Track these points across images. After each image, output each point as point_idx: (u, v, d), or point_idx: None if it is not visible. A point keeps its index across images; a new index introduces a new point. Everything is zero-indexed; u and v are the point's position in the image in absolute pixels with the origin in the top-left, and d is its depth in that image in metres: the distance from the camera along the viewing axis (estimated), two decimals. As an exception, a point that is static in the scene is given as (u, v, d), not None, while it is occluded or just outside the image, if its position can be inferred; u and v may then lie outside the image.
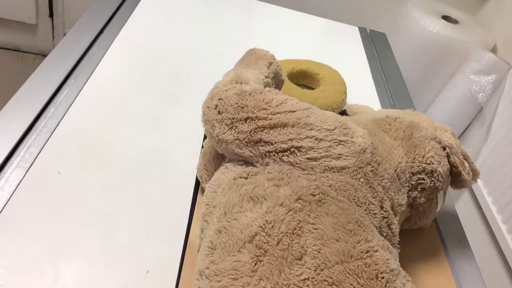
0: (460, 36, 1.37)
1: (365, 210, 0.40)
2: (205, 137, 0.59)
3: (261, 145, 0.41)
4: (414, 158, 0.48)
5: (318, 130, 0.41)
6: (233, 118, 0.42)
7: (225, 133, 0.42)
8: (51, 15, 1.76)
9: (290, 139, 0.41)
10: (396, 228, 0.44)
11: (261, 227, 0.35)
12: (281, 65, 0.55)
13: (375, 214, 0.40)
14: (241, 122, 0.42)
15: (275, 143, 0.41)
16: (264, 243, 0.34)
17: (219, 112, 0.43)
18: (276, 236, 0.34)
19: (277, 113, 0.42)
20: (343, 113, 0.72)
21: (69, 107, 0.58)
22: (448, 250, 0.56)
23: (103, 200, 0.48)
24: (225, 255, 0.34)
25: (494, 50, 1.44)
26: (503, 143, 1.21)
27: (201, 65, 0.74)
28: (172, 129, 0.60)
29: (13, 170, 0.48)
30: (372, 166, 0.43)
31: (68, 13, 1.77)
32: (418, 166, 0.48)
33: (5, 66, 1.76)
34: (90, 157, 0.52)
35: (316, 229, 0.35)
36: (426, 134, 0.50)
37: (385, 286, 0.34)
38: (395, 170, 0.45)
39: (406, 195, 0.47)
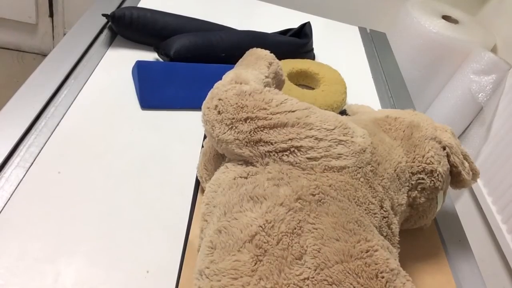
0: (460, 36, 1.37)
1: (365, 209, 0.40)
2: (205, 137, 0.59)
3: (261, 145, 0.41)
4: (414, 158, 0.48)
5: (318, 129, 0.41)
6: (233, 118, 0.42)
7: (225, 133, 0.42)
8: (51, 15, 1.76)
9: (290, 139, 0.41)
10: (396, 228, 0.44)
11: (261, 226, 0.35)
12: (281, 65, 0.55)
13: (375, 213, 0.40)
14: (241, 122, 0.42)
15: (275, 143, 0.41)
16: (264, 242, 0.34)
17: (219, 112, 0.43)
18: (276, 235, 0.34)
19: (277, 113, 0.42)
20: (343, 113, 0.72)
21: (69, 107, 0.58)
22: (448, 250, 0.56)
23: (103, 200, 0.48)
24: (225, 255, 0.34)
25: (494, 50, 1.44)
26: (503, 143, 1.22)
27: (201, 65, 0.74)
28: (172, 129, 0.60)
29: (13, 170, 0.48)
30: (372, 166, 0.43)
31: (68, 13, 1.77)
32: (418, 166, 0.48)
33: (5, 66, 1.77)
34: (90, 157, 0.52)
35: (316, 228, 0.35)
36: (426, 134, 0.50)
37: (385, 286, 0.34)
38: (395, 170, 0.45)
39: (406, 195, 0.47)
